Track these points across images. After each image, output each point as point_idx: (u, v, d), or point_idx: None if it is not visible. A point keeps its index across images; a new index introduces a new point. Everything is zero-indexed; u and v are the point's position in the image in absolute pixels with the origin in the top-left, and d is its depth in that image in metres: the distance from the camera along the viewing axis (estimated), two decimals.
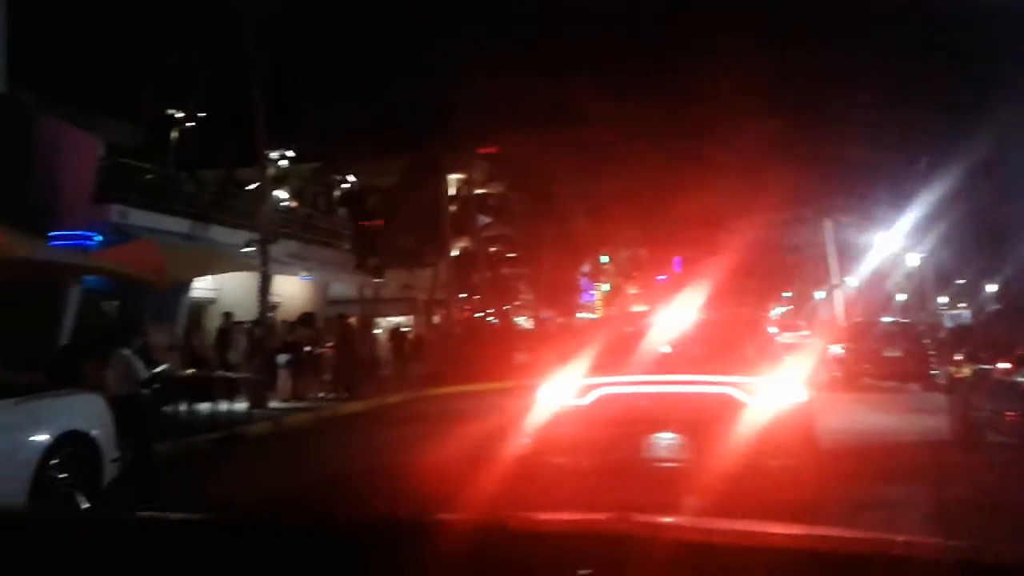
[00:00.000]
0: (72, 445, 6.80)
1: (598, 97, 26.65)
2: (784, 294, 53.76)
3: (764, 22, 25.39)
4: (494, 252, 31.57)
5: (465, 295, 29.72)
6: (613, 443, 6.77)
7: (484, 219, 30.14)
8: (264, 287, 16.76)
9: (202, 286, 20.37)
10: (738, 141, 31.32)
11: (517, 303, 35.13)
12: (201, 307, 22.24)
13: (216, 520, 1.77)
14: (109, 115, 20.97)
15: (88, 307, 17.63)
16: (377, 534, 1.56)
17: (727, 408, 6.57)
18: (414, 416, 16.41)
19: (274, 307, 22.79)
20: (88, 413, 7.23)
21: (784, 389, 6.84)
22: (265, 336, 16.81)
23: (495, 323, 30.07)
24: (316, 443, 13.45)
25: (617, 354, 7.35)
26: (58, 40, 20.03)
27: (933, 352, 20.37)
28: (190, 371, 14.51)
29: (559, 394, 7.14)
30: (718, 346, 7.81)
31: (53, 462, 6.54)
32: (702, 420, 6.59)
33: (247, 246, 17.46)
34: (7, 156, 16.33)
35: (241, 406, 15.03)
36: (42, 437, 6.54)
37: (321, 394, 17.73)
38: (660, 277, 45.72)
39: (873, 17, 25.28)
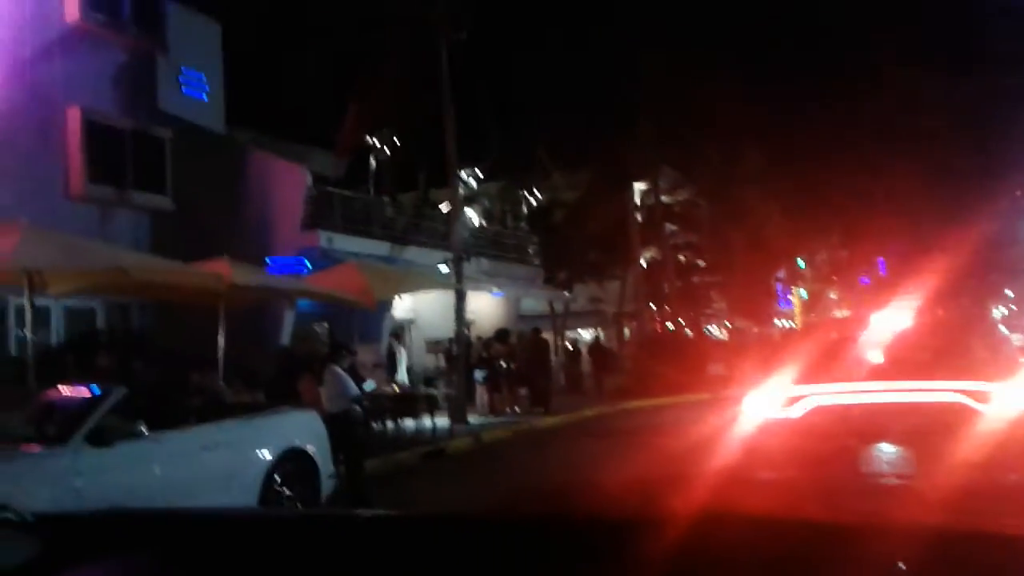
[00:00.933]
0: (293, 461, 7.16)
1: (788, 97, 25.57)
2: (1007, 292, 49.12)
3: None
4: (683, 261, 30.87)
5: (655, 306, 29.22)
6: (829, 457, 6.30)
7: (672, 227, 29.52)
8: (460, 305, 17.19)
9: (402, 306, 21.25)
10: (944, 133, 29.09)
11: (709, 312, 34.15)
12: (401, 326, 23.24)
13: (462, 515, 1.77)
14: (314, 146, 22.42)
15: (300, 329, 18.86)
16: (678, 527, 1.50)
17: (957, 417, 5.97)
18: (611, 430, 16.26)
19: (469, 324, 23.49)
20: (306, 430, 7.60)
21: (1020, 395, 6.10)
22: (462, 353, 17.22)
23: (687, 334, 29.34)
24: (516, 458, 13.58)
25: (827, 362, 6.95)
26: (265, 79, 21.59)
27: None
28: (394, 388, 15.08)
29: (767, 405, 6.73)
30: (942, 350, 7.15)
31: (276, 477, 6.91)
32: (928, 431, 6.02)
33: (442, 265, 17.99)
34: (225, 191, 17.76)
35: (442, 422, 15.45)
36: (266, 454, 6.92)
37: (518, 409, 17.92)
38: (863, 280, 43.06)
39: None
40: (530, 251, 27.93)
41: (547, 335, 30.02)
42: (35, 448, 5.63)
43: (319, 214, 19.01)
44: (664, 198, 28.66)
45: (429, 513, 1.85)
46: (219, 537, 1.60)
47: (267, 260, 17.12)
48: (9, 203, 12.05)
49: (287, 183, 19.01)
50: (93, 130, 15.22)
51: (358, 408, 9.50)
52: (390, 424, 14.55)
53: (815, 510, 5.86)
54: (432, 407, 15.53)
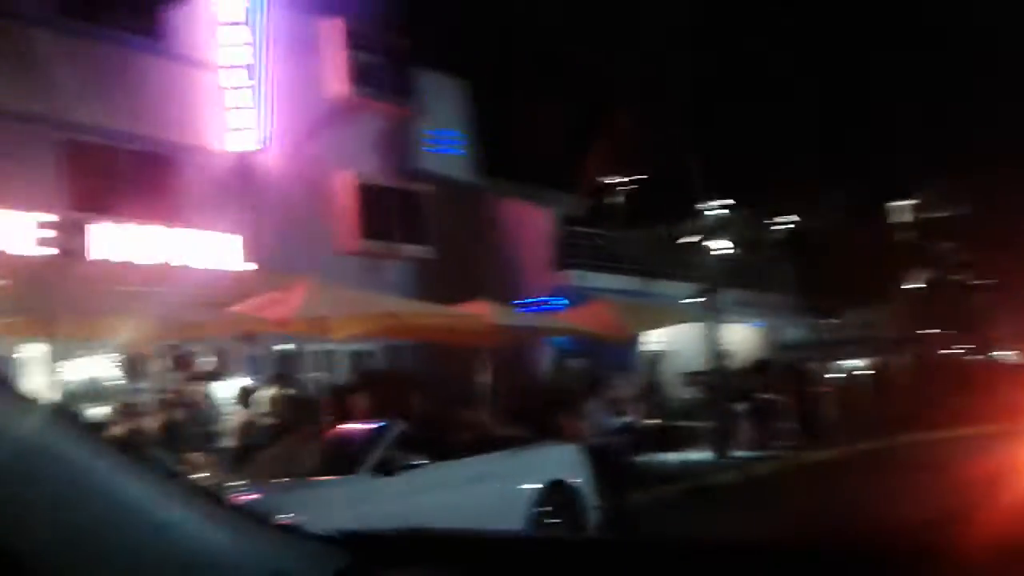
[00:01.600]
0: (558, 493, 7.29)
1: None
2: None
3: None
4: (962, 280, 28.05)
5: (934, 330, 26.75)
6: None
7: (947, 245, 27.02)
8: (714, 336, 16.77)
9: (654, 339, 21.12)
10: None
11: (998, 336, 30.66)
12: (655, 360, 23.07)
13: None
14: (560, 189, 23.07)
15: (558, 364, 19.30)
16: None
17: None
18: (891, 464, 15.01)
19: (726, 356, 22.81)
20: (569, 463, 7.73)
21: None
22: (720, 385, 16.74)
23: (973, 359, 26.53)
24: (786, 493, 12.91)
25: None
26: (511, 128, 22.54)
27: None
28: (653, 421, 14.96)
29: None
30: None
31: (543, 509, 7.07)
32: None
33: (693, 297, 17.68)
34: (481, 237, 18.71)
35: (704, 455, 15.08)
36: (532, 485, 7.10)
37: (784, 442, 17.06)
38: None
39: None
40: (788, 279, 26.74)
41: (812, 365, 28.55)
42: (328, 478, 6.17)
43: (569, 253, 19.46)
44: (935, 214, 26.36)
45: (714, 539, 1.79)
46: (518, 558, 1.62)
47: (522, 300, 17.76)
48: (294, 260, 13.46)
49: (536, 226, 19.71)
50: (363, 191, 16.68)
51: (619, 441, 9.51)
52: (650, 457, 14.43)
53: None
54: (693, 441, 15.24)
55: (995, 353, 30.86)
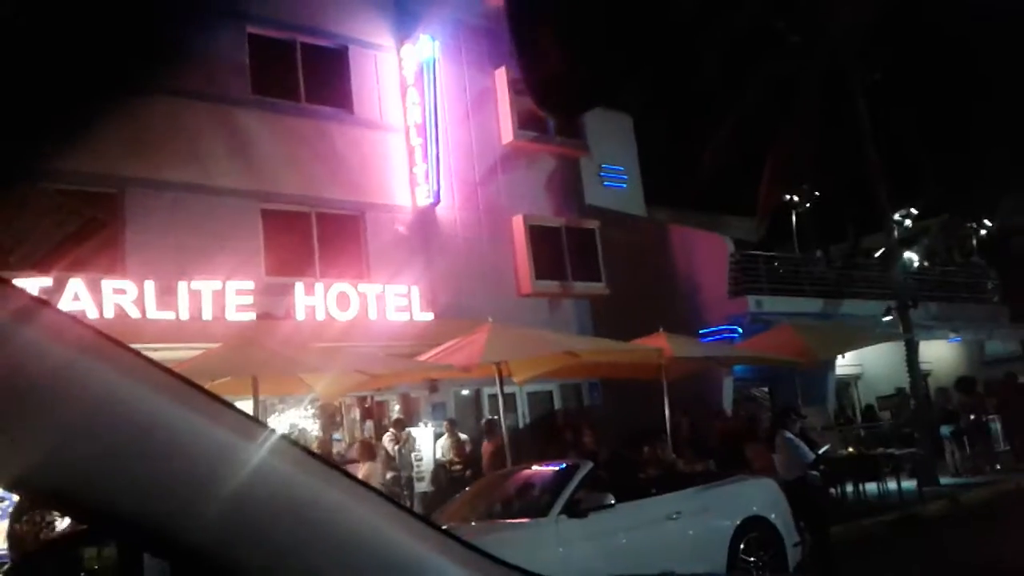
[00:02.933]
0: (755, 529, 7.07)
1: None
2: None
3: None
4: None
5: None
6: None
7: None
8: (912, 355, 15.76)
9: (845, 363, 20.10)
10: None
11: None
12: (846, 384, 21.93)
13: None
14: (731, 213, 22.58)
15: (741, 394, 18.72)
16: None
17: None
18: None
19: (926, 375, 21.33)
20: (765, 498, 7.48)
21: None
22: (921, 407, 15.66)
23: None
24: (1001, 523, 11.85)
25: None
26: (676, 155, 22.34)
27: None
28: (850, 450, 14.20)
29: None
30: None
31: (741, 545, 6.87)
32: None
33: (884, 315, 16.72)
34: (652, 268, 18.58)
35: (909, 484, 14.11)
36: (729, 522, 6.93)
37: (998, 466, 15.72)
38: None
39: None
40: (988, 287, 24.76)
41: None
42: (520, 520, 6.29)
43: (745, 279, 18.93)
44: None
45: None
46: None
47: (699, 330, 17.42)
48: (475, 304, 13.91)
49: (709, 253, 19.32)
50: (535, 232, 17.03)
51: (815, 473, 9.10)
52: (850, 488, 13.69)
53: None
54: (895, 469, 14.29)
55: None
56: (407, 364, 10.27)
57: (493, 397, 15.23)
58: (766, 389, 18.04)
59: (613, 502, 6.14)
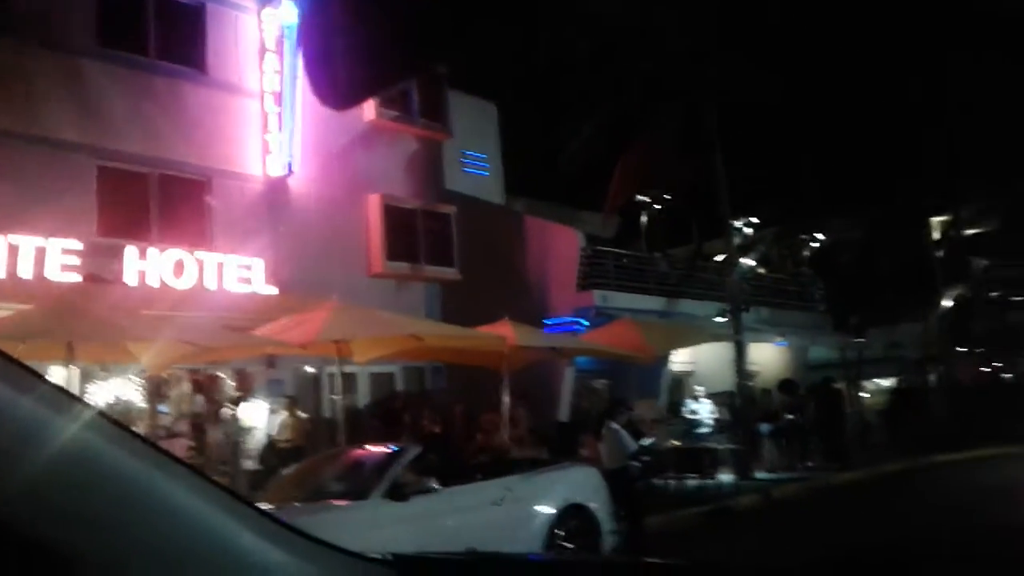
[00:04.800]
0: (574, 517, 7.29)
1: None
2: None
3: None
4: (998, 297, 27.60)
5: (965, 348, 26.34)
6: None
7: (981, 261, 26.61)
8: (739, 356, 16.68)
9: (679, 359, 21.02)
10: None
11: None
12: (679, 380, 22.95)
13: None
14: (586, 209, 23.14)
15: (582, 386, 19.26)
16: None
17: None
18: (923, 486, 14.84)
19: (753, 376, 22.61)
20: (586, 486, 7.73)
21: None
22: (744, 406, 16.61)
23: (1008, 377, 26.04)
24: (812, 516, 12.78)
25: None
26: (537, 148, 22.70)
27: None
28: (675, 443, 14.88)
29: None
30: None
31: (559, 532, 7.07)
32: None
33: (718, 316, 17.61)
34: (505, 258, 18.81)
35: (727, 478, 14.96)
36: (549, 509, 7.11)
37: (810, 464, 16.89)
38: None
39: None
40: (815, 297, 26.51)
41: (839, 385, 28.17)
42: (342, 502, 6.24)
43: (593, 274, 19.47)
44: (969, 230, 26.03)
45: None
46: None
47: (545, 321, 17.79)
48: (322, 280, 13.61)
49: (562, 246, 19.74)
50: (390, 213, 16.84)
51: (636, 464, 9.49)
52: (672, 480, 14.35)
53: None
54: (716, 463, 15.12)
55: None
56: (240, 338, 9.96)
57: (334, 376, 15.04)
58: (605, 381, 18.60)
59: (436, 487, 6.18)
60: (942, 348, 24.51)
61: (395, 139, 17.47)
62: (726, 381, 18.81)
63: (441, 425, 11.75)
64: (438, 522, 6.20)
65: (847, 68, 21.50)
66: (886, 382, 30.37)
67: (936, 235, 26.29)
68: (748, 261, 24.65)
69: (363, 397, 15.42)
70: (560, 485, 7.52)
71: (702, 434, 16.08)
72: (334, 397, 12.21)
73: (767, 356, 24.09)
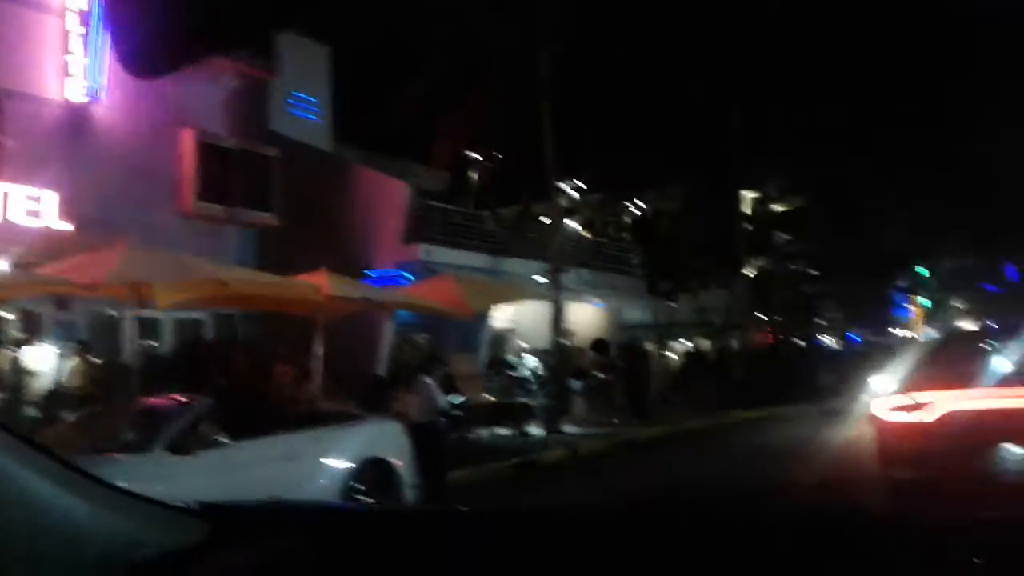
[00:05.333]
0: (374, 471, 7.25)
1: (906, 97, 24.38)
2: None
3: None
4: (794, 270, 29.83)
5: (764, 316, 28.34)
6: (962, 457, 6.82)
7: (782, 236, 28.59)
8: (556, 315, 17.12)
9: (502, 317, 21.36)
10: None
11: (822, 323, 32.89)
12: (501, 337, 23.35)
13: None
14: (418, 162, 22.85)
15: (403, 340, 19.20)
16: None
17: None
18: (716, 440, 15.88)
19: (570, 334, 23.36)
20: (389, 441, 7.69)
21: None
22: (559, 363, 17.11)
23: (799, 344, 28.30)
24: (613, 468, 13.41)
25: (957, 370, 7.64)
26: (372, 97, 22.13)
27: None
28: (489, 398, 15.15)
29: (902, 410, 7.38)
30: None
31: (356, 487, 7.01)
32: None
33: (539, 276, 17.98)
34: (330, 207, 18.30)
35: (538, 432, 15.40)
36: (346, 463, 7.03)
37: (615, 420, 17.67)
38: (992, 288, 40.63)
39: None
40: (633, 262, 27.61)
41: (651, 346, 29.63)
42: (122, 456, 5.89)
43: (420, 227, 19.34)
44: (774, 206, 27.83)
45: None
46: (365, 530, 1.72)
47: (368, 272, 17.53)
48: (126, 219, 12.72)
49: (389, 198, 19.46)
50: (205, 151, 15.94)
51: (443, 419, 9.56)
52: (483, 434, 14.62)
53: (952, 506, 6.21)
54: (527, 418, 15.51)
55: (821, 338, 33.12)
56: (22, 275, 9.15)
57: (136, 321, 14.17)
58: (426, 336, 18.61)
59: (224, 440, 5.95)
60: (743, 315, 26.18)
61: (214, 73, 16.47)
62: (546, 339, 19.32)
63: (241, 376, 11.35)
64: (225, 477, 5.97)
65: (676, 43, 22.24)
66: (692, 344, 32.28)
67: (747, 210, 27.89)
68: (573, 224, 25.37)
69: (168, 344, 14.67)
70: (359, 439, 7.44)
71: (528, 389, 16.45)
72: (138, 343, 11.53)
73: (585, 316, 24.90)
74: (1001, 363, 7.75)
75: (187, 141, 15.75)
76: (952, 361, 8.15)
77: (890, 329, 36.00)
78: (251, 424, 6.54)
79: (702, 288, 28.55)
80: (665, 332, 27.70)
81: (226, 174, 16.19)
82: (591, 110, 22.28)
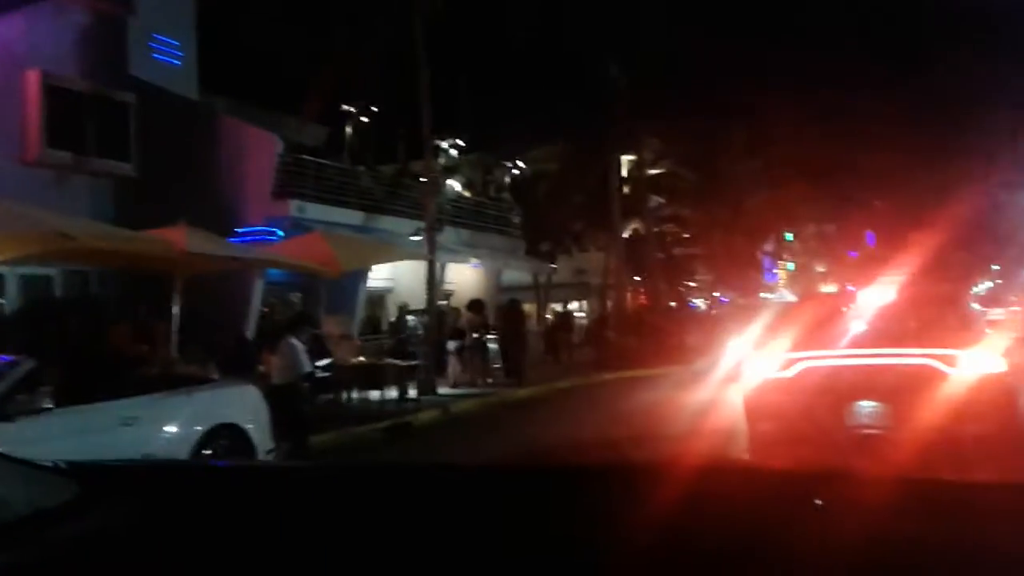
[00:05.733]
0: (225, 437, 6.91)
1: (776, 69, 25.05)
2: (993, 267, 48.98)
3: None
4: (668, 233, 30.56)
5: (638, 278, 28.96)
6: (818, 410, 7.26)
7: (657, 200, 29.15)
8: (431, 275, 16.89)
9: (379, 276, 20.96)
10: (938, 95, 28.61)
11: (693, 285, 33.93)
12: (379, 297, 22.95)
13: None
14: (293, 115, 21.95)
15: (277, 299, 18.56)
16: (603, 477, 1.75)
17: (926, 378, 6.95)
18: (587, 400, 16.10)
19: (448, 295, 23.18)
20: (241, 405, 7.35)
21: (983, 360, 7.12)
22: (434, 323, 16.92)
23: (670, 306, 29.08)
24: (486, 429, 13.38)
25: (816, 331, 8.13)
26: (243, 46, 21.08)
27: None
28: (359, 359, 14.82)
29: (765, 367, 7.78)
30: (917, 322, 8.30)
31: (206, 453, 6.67)
32: (903, 389, 6.97)
33: (415, 235, 17.67)
34: (194, 158, 17.38)
35: (412, 393, 15.20)
36: (194, 429, 6.67)
37: (490, 380, 17.68)
38: (852, 253, 42.88)
39: None
40: (513, 222, 27.59)
41: (530, 307, 29.86)
42: None
43: (291, 183, 18.63)
44: (650, 170, 28.26)
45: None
46: (234, 486, 1.76)
47: (236, 229, 16.80)
48: None
49: (258, 151, 18.62)
50: (53, 93, 14.80)
51: (306, 383, 9.25)
52: (354, 396, 14.29)
53: (808, 455, 6.91)
54: (403, 380, 15.27)
55: (692, 301, 34.21)
56: None
57: None
58: (299, 295, 18.07)
59: (50, 406, 5.49)
60: (618, 277, 26.62)
61: (62, 9, 15.25)
62: (424, 299, 19.11)
63: (75, 337, 10.65)
64: (50, 445, 5.51)
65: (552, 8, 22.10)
66: (572, 305, 32.77)
67: (624, 173, 28.23)
68: (453, 183, 25.10)
69: (12, 301, 13.66)
70: (208, 404, 7.06)
71: (407, 351, 16.19)
72: None
73: (464, 277, 24.80)
74: (856, 323, 8.22)
75: (32, 83, 14.59)
76: (811, 322, 8.49)
77: (760, 292, 37.52)
78: (83, 389, 6.08)
79: (581, 250, 28.93)
80: (544, 293, 27.94)
81: (77, 120, 15.11)
82: (471, 68, 22.00)
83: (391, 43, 18.66)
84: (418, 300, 19.46)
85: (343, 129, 22.13)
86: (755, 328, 12.17)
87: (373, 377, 14.21)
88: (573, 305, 33.29)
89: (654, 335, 23.26)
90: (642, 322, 24.68)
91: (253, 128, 19.15)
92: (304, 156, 19.70)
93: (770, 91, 24.64)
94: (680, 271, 30.79)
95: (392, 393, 14.50)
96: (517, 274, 27.49)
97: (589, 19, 22.25)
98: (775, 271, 39.51)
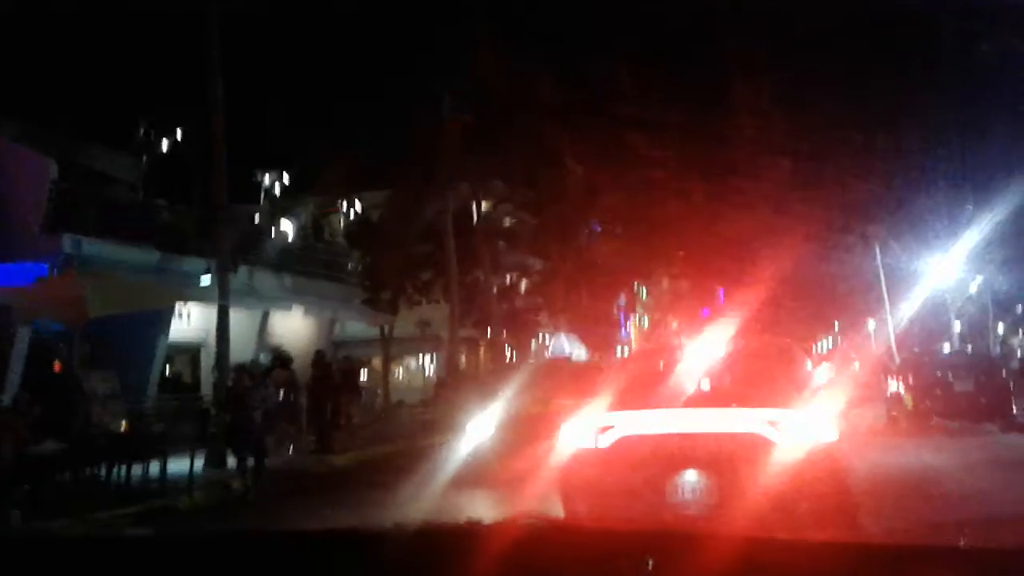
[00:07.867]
0: None
1: (625, 121, 24.17)
2: (835, 324, 50.54)
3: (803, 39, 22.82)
4: (509, 282, 29.03)
5: (479, 330, 27.24)
6: (636, 487, 6.55)
7: (502, 244, 27.59)
8: (222, 323, 14.47)
9: (192, 328, 18.42)
10: (782, 165, 28.59)
11: (538, 338, 32.47)
12: (191, 351, 20.22)
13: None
14: (79, 138, 19.22)
15: (45, 349, 15.67)
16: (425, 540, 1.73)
17: (754, 447, 6.48)
18: (410, 469, 13.91)
19: (276, 349, 20.47)
20: None
21: (813, 427, 6.68)
22: (223, 382, 14.33)
23: (510, 360, 27.41)
24: (280, 513, 10.97)
25: (643, 389, 7.38)
26: (17, 56, 18.37)
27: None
28: (123, 425, 12.24)
29: (580, 435, 7.02)
30: (747, 378, 7.61)
31: None
32: (728, 460, 6.48)
33: (205, 276, 15.28)
34: None
35: (196, 466, 12.55)
36: None
37: (293, 447, 15.29)
38: (704, 311, 42.93)
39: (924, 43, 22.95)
40: (348, 268, 25.39)
41: (377, 361, 27.52)
42: None
43: (68, 214, 15.93)
44: (486, 209, 26.64)
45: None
46: None
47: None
48: None
49: (25, 176, 15.89)
50: None
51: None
52: (124, 470, 11.59)
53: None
54: (187, 447, 12.67)
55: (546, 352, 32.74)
56: None
57: None
58: (61, 345, 15.22)
59: None
60: (451, 330, 24.73)
61: None
62: (247, 353, 16.76)
63: None
64: None
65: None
66: (416, 361, 30.76)
67: (475, 220, 26.64)
68: (288, 225, 22.88)
69: None
70: None
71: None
72: None
73: (295, 328, 22.40)
74: (686, 381, 7.44)
75: None
76: (639, 380, 7.83)
77: (614, 346, 36.54)
78: None
79: (431, 300, 26.95)
80: (387, 347, 25.73)
81: None
82: (291, 98, 19.99)
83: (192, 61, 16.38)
84: (239, 354, 16.90)
85: (141, 157, 19.56)
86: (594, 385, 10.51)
87: (134, 449, 11.57)
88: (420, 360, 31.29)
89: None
90: (481, 377, 22.88)
91: (23, 150, 16.41)
92: (90, 186, 17.05)
93: (606, 140, 23.63)
94: (525, 324, 29.14)
95: (181, 467, 11.82)
96: (360, 326, 25.27)
97: (418, 54, 20.76)
98: (627, 326, 38.86)
